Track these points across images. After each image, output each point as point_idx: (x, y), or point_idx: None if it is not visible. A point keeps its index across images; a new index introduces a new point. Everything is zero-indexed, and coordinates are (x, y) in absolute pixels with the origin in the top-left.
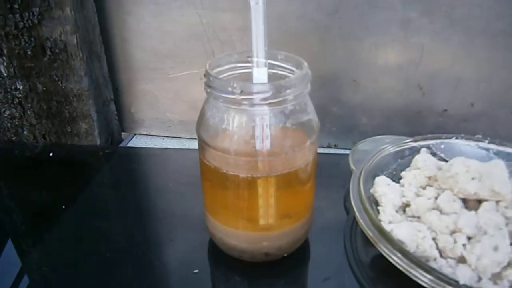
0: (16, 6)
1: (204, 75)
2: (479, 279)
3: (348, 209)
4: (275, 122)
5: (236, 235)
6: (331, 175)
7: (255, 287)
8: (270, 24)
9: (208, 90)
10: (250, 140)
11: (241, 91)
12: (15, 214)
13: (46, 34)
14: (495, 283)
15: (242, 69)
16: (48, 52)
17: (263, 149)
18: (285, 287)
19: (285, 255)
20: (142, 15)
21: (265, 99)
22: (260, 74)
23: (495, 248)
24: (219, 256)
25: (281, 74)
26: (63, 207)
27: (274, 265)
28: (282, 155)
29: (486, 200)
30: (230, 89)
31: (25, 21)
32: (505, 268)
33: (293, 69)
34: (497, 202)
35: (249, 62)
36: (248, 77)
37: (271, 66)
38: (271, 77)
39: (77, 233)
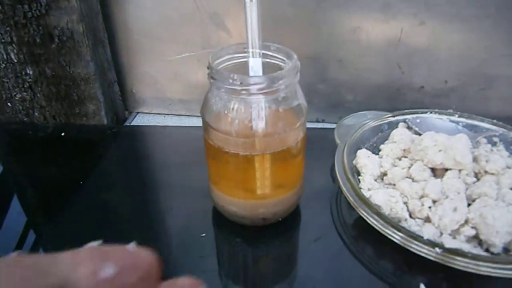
0: None
1: (208, 67)
2: (441, 234)
3: (334, 178)
4: (270, 108)
5: (237, 203)
6: (320, 147)
7: (254, 248)
8: (264, 11)
9: (212, 81)
10: (248, 123)
11: (241, 83)
12: (32, 190)
13: (53, 23)
14: (454, 238)
15: (239, 59)
16: (56, 39)
17: (259, 131)
18: (280, 247)
19: (280, 219)
20: (142, 2)
21: (261, 89)
22: (255, 64)
23: (455, 209)
24: (222, 222)
25: (274, 63)
26: (81, 182)
27: (270, 228)
28: (275, 135)
29: (450, 169)
30: (231, 81)
31: (33, 11)
32: (462, 225)
33: (284, 59)
34: (460, 170)
35: (245, 53)
36: (244, 66)
37: (264, 56)
38: (265, 66)
39: (89, 206)
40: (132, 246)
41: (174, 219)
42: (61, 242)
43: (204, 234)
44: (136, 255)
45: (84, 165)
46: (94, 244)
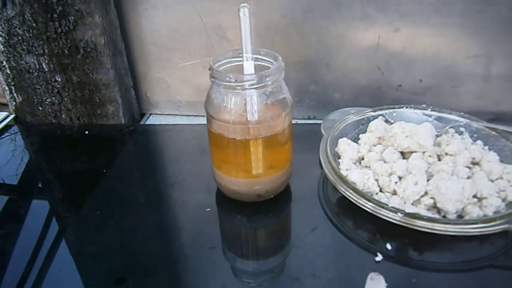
0: (55, 15)
1: (209, 69)
2: (405, 203)
3: (321, 165)
4: (260, 100)
5: (236, 182)
6: (310, 140)
7: (252, 220)
8: (259, 22)
9: (212, 79)
10: (243, 113)
11: (235, 80)
12: (62, 180)
13: (79, 36)
14: (416, 206)
15: (236, 62)
16: (82, 51)
17: (252, 119)
18: (272, 219)
19: (272, 196)
20: (154, 17)
21: (252, 85)
22: (249, 66)
23: (416, 183)
24: (224, 200)
25: (264, 65)
26: (104, 171)
27: (264, 203)
28: (265, 123)
29: (415, 152)
30: (227, 78)
31: (62, 27)
32: (422, 196)
33: (272, 60)
34: (423, 153)
35: (240, 57)
36: (240, 68)
37: (256, 59)
38: (257, 67)
39: (109, 195)
40: None
41: (185, 197)
42: (82, 229)
43: (209, 209)
44: None
45: (105, 159)
46: None
